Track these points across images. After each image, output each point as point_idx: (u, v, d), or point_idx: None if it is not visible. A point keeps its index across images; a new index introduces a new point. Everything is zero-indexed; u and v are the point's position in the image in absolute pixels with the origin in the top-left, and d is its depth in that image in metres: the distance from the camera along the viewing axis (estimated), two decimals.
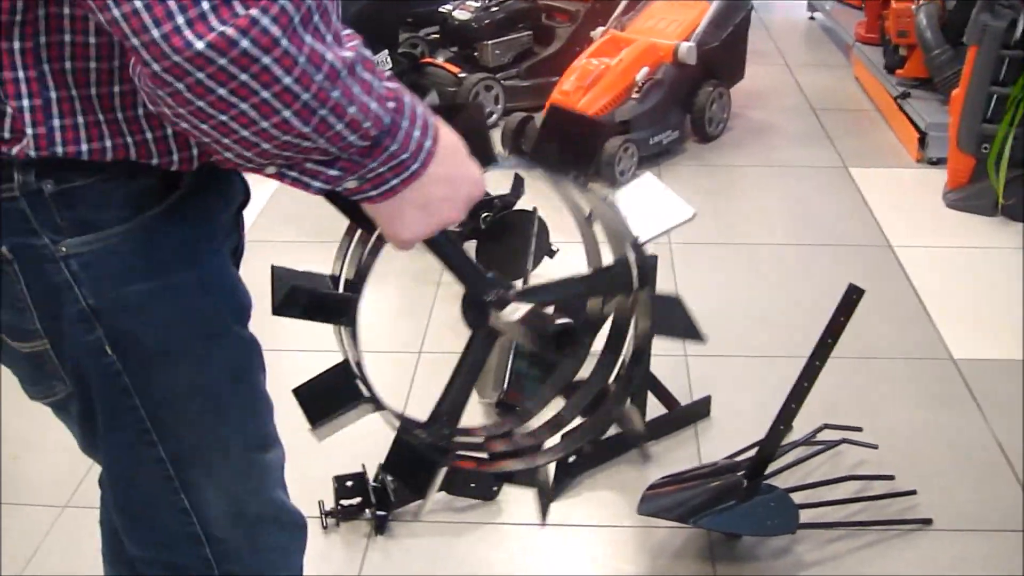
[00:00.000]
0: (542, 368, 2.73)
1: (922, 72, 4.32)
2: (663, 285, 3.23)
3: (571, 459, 2.45)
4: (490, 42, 4.63)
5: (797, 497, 2.16)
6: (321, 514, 2.31)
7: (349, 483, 2.32)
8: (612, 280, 1.30)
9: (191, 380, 1.16)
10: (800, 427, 2.40)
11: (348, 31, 0.94)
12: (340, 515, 2.32)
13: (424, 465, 1.23)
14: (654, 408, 2.53)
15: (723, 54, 4.29)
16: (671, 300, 1.32)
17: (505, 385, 2.58)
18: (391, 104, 0.94)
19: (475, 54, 4.67)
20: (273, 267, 1.14)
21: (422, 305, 3.22)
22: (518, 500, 2.38)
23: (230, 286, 1.18)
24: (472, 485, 2.36)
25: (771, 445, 2.13)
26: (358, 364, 1.20)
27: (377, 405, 1.20)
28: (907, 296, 3.19)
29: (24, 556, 2.28)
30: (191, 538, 1.24)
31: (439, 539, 2.29)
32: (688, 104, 4.23)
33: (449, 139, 1.02)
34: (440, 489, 2.35)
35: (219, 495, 1.24)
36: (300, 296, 1.13)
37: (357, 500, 2.33)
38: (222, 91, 0.83)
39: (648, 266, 1.29)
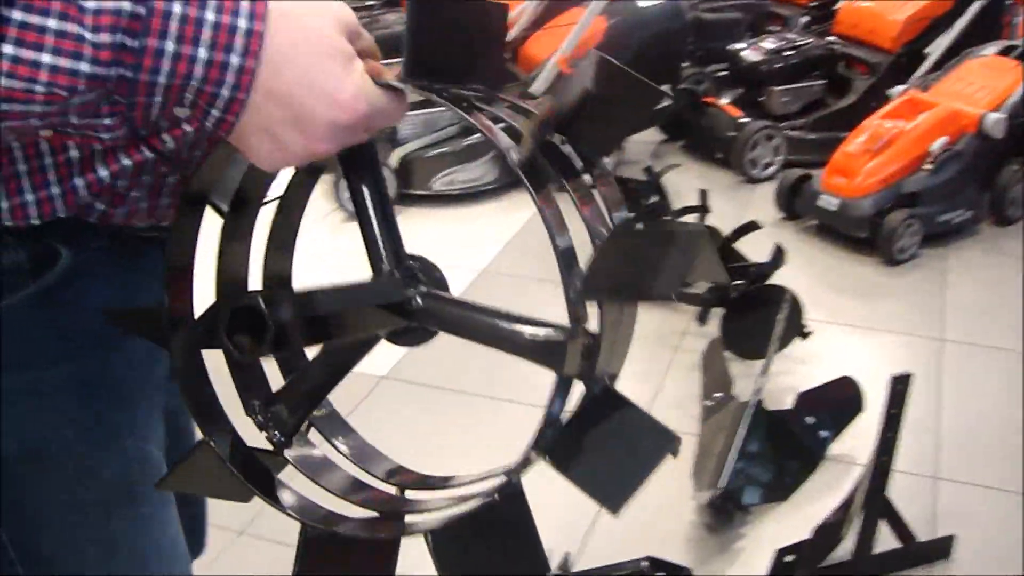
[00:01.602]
0: (770, 467, 2.47)
1: None
2: (928, 382, 2.87)
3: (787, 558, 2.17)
4: (778, 88, 4.35)
5: None
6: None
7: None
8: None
9: (65, 496, 0.97)
10: None
11: None
12: None
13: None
14: (885, 538, 2.21)
15: None
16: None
17: (723, 481, 2.33)
18: (104, 37, 0.66)
19: (761, 99, 4.39)
20: None
21: (655, 372, 3.00)
22: None
23: (127, 395, 0.98)
24: None
25: None
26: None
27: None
28: None
29: None
30: None
31: None
32: (988, 181, 3.79)
33: (296, 41, 0.73)
34: None
35: None
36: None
37: None
38: None
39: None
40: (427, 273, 0.92)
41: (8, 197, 0.83)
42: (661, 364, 3.03)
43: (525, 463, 0.86)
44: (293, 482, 0.97)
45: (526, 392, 2.73)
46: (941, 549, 2.26)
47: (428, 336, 0.92)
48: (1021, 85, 3.73)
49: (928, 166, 3.61)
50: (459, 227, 3.98)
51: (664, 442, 0.82)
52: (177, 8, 0.68)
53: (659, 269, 0.77)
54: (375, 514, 0.97)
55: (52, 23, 0.64)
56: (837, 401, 2.57)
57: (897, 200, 3.57)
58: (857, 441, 2.50)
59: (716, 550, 2.30)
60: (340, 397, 1.00)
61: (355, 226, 0.90)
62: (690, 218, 3.44)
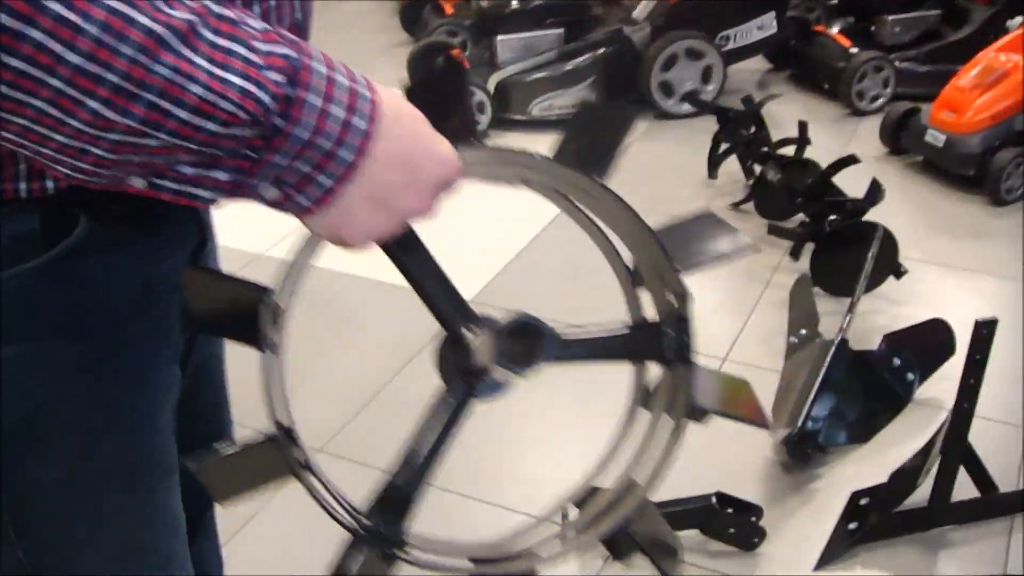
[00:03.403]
0: (851, 408, 2.42)
1: None
2: (1017, 335, 2.78)
3: (852, 525, 2.14)
4: (891, 17, 4.20)
5: None
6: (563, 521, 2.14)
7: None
8: (643, 346, 0.99)
9: (64, 473, 0.93)
10: None
11: None
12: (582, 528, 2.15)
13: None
14: (965, 487, 2.15)
15: None
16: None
17: (800, 423, 2.30)
18: (275, 76, 0.68)
19: (872, 28, 4.24)
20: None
21: (743, 305, 2.95)
22: (782, 558, 2.11)
23: (134, 374, 0.93)
24: (731, 530, 2.11)
25: None
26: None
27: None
28: None
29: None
30: None
31: None
32: None
33: (398, 110, 0.76)
34: (695, 527, 2.12)
35: None
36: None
37: None
38: (1, 88, 0.61)
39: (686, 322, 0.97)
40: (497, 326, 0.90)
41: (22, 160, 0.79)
42: (750, 298, 2.98)
43: None
44: None
45: None
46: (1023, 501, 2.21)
47: None
48: None
49: None
50: None
51: None
52: (321, 68, 0.70)
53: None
54: None
55: (240, 50, 0.66)
56: (927, 344, 2.50)
57: (1008, 138, 3.43)
58: (947, 385, 2.42)
59: (790, 489, 2.28)
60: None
61: None
62: (788, 150, 3.37)
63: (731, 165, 3.54)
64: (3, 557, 0.95)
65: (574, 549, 1.04)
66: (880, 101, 4.13)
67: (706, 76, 4.16)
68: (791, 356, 2.60)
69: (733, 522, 2.11)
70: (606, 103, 0.87)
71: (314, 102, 0.69)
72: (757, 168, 3.29)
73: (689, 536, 2.13)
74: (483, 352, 0.87)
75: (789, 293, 2.79)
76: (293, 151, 0.70)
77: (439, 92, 0.86)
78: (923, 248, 3.20)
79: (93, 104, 0.63)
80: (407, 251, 0.84)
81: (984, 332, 1.90)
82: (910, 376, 2.49)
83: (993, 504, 2.16)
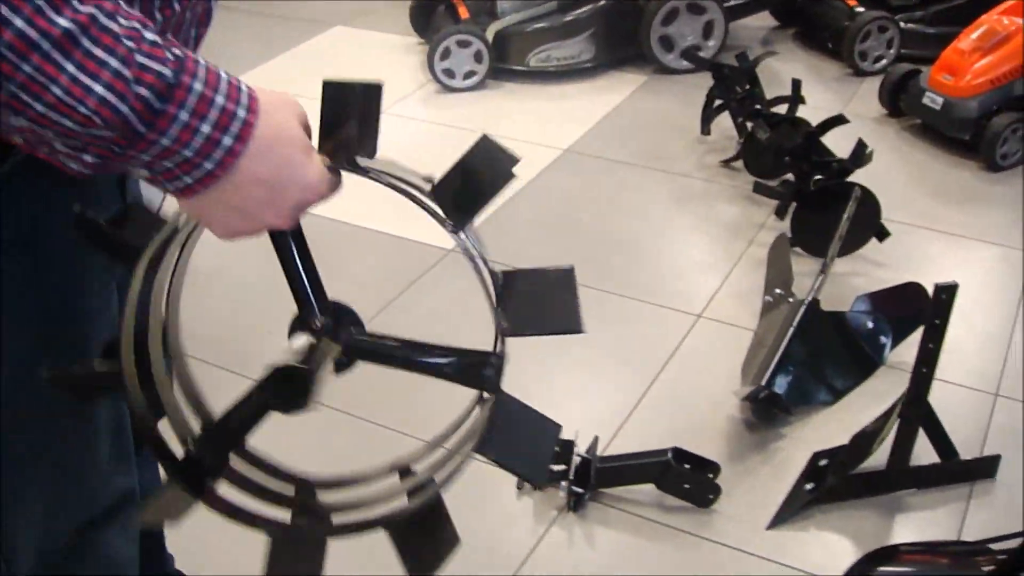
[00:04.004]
0: (820, 369, 2.41)
1: None
2: (1008, 295, 2.76)
3: (809, 486, 2.13)
4: None
5: None
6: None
7: (555, 448, 2.14)
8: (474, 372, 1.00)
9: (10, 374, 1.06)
10: None
11: None
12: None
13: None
14: (925, 451, 2.14)
15: None
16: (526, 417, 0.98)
17: (764, 382, 2.29)
18: (142, 91, 0.76)
19: None
20: None
21: (725, 263, 2.93)
22: (737, 516, 2.10)
23: (74, 290, 1.06)
24: (686, 486, 2.11)
25: None
26: None
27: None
28: None
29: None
30: None
31: (631, 535, 2.07)
32: None
33: (276, 135, 0.85)
34: (651, 482, 2.12)
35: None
36: None
37: (561, 468, 2.14)
38: None
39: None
40: (347, 315, 1.02)
41: None
42: (733, 255, 2.96)
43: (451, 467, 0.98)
44: None
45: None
46: (985, 468, 2.19)
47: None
48: None
49: None
50: (550, 104, 3.91)
51: (552, 430, 0.97)
52: (198, 86, 0.79)
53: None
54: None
55: (113, 63, 0.75)
56: (902, 307, 2.48)
57: (1006, 103, 3.37)
58: None
59: (752, 448, 2.27)
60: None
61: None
62: (781, 108, 3.33)
63: (726, 122, 3.50)
64: None
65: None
66: (883, 62, 4.07)
67: (707, 32, 4.10)
68: (765, 315, 2.59)
69: (689, 478, 2.11)
70: (500, 151, 0.89)
71: (183, 117, 0.78)
72: (749, 126, 3.25)
73: (645, 491, 2.13)
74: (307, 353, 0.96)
75: (767, 252, 2.77)
76: (155, 153, 0.79)
77: (352, 103, 0.94)
78: (913, 211, 3.17)
79: None
80: (280, 247, 0.96)
81: (943, 297, 1.88)
82: (883, 339, 2.48)
83: (952, 470, 2.15)
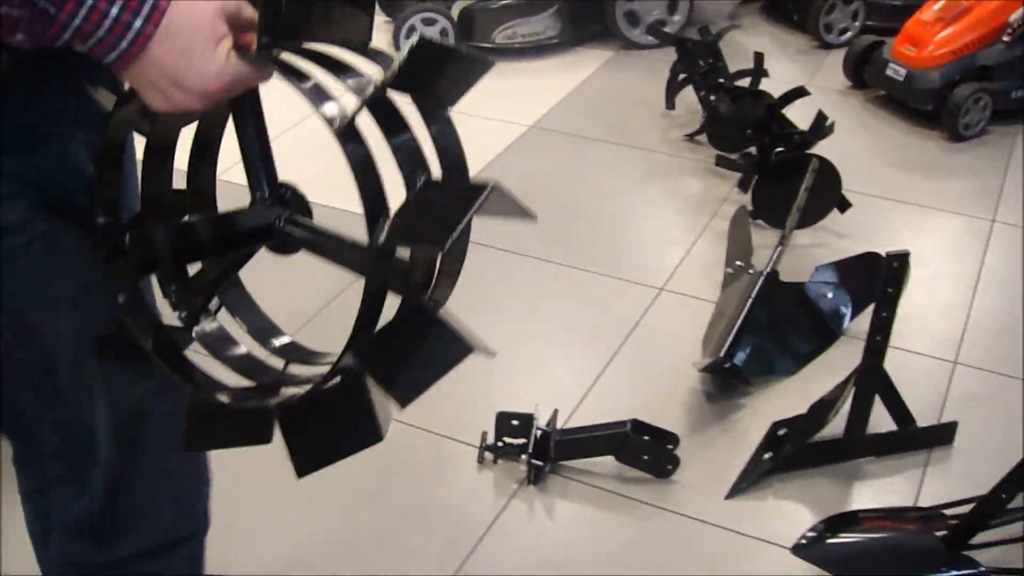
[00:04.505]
0: (780, 340, 2.42)
1: None
2: (969, 264, 2.77)
3: (767, 456, 2.15)
4: None
5: None
6: (480, 446, 2.16)
7: (515, 422, 2.14)
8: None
9: (40, 272, 1.14)
10: None
11: None
12: (499, 452, 2.16)
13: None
14: (884, 419, 2.15)
15: None
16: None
17: (723, 353, 2.30)
18: None
19: None
20: None
21: (688, 236, 2.94)
22: (697, 486, 2.11)
23: (73, 182, 1.13)
24: (645, 457, 2.12)
25: (991, 505, 1.75)
26: None
27: None
28: None
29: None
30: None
31: (591, 507, 2.08)
32: None
33: (187, 21, 0.93)
34: (610, 454, 2.13)
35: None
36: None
37: (521, 441, 2.14)
38: None
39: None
40: (296, 199, 1.07)
41: None
42: (696, 228, 2.97)
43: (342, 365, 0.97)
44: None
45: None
46: (942, 435, 2.20)
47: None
48: None
49: (1006, 38, 3.41)
50: (516, 81, 3.90)
51: (460, 351, 0.91)
52: None
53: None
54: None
55: None
56: (861, 277, 2.49)
57: (968, 73, 3.39)
58: None
59: (711, 419, 2.28)
60: None
61: None
62: (744, 82, 3.33)
63: (691, 96, 3.50)
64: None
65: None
66: (849, 35, 4.08)
67: (673, 6, 4.10)
68: (726, 288, 2.60)
69: (648, 449, 2.11)
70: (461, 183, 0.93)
71: (93, 2, 0.87)
72: (713, 99, 3.26)
73: (604, 462, 2.14)
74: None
75: (728, 225, 2.77)
76: (71, 32, 0.88)
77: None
78: (876, 182, 3.18)
79: None
80: (237, 114, 1.05)
81: (895, 265, 1.89)
82: (843, 309, 2.49)
83: (909, 437, 2.16)
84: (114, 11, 0.88)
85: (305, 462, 1.02)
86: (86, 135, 1.13)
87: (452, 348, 0.91)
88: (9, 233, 1.11)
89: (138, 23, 0.90)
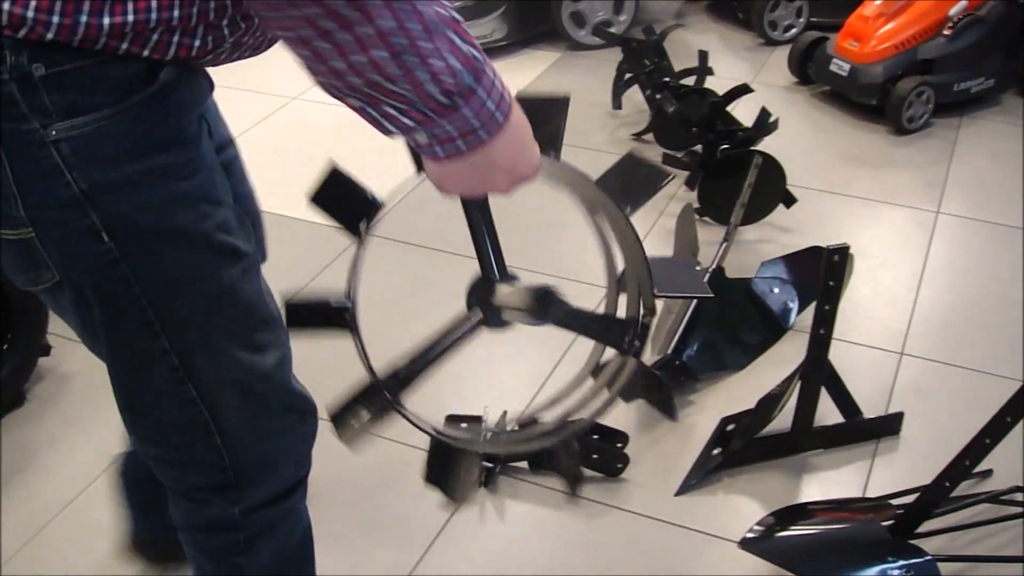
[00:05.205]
0: (726, 336, 2.42)
1: None
2: (914, 256, 2.80)
3: (716, 451, 2.15)
4: None
5: (948, 571, 1.77)
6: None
7: (464, 424, 2.14)
8: (613, 333, 1.29)
9: (190, 262, 1.18)
10: (997, 478, 1.99)
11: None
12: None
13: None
14: (831, 411, 2.17)
15: None
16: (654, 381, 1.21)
17: (670, 350, 2.30)
18: (471, 71, 0.93)
19: None
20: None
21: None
22: (647, 484, 2.12)
23: (210, 168, 1.19)
24: (595, 456, 2.12)
25: (936, 494, 1.76)
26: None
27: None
28: None
29: None
30: (201, 428, 1.29)
31: (542, 507, 2.07)
32: (1015, 49, 3.59)
33: (519, 119, 1.03)
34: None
35: (225, 382, 1.28)
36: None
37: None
38: (323, 23, 0.87)
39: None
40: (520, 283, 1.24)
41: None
42: (643, 227, 2.97)
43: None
44: None
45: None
46: (889, 425, 2.22)
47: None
48: None
49: (946, 32, 3.45)
50: None
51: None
52: (488, 70, 0.95)
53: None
54: None
55: (462, 46, 0.92)
56: (807, 271, 2.50)
57: (910, 67, 3.42)
58: None
59: (660, 417, 2.28)
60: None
61: None
62: (690, 80, 3.34)
63: (637, 96, 3.51)
64: (148, 352, 1.21)
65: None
66: (793, 31, 4.11)
67: (618, 6, 4.11)
68: None
69: (597, 449, 2.12)
70: (650, 164, 1.31)
71: (482, 94, 0.95)
72: (658, 98, 3.26)
73: None
74: (503, 296, 1.22)
75: (675, 222, 2.78)
76: (456, 121, 0.95)
77: (545, 110, 1.14)
78: (822, 177, 3.20)
79: (376, 53, 0.89)
80: (480, 209, 1.17)
81: (835, 259, 1.90)
82: (789, 303, 2.50)
83: (856, 428, 2.18)
84: (491, 104, 0.96)
85: None
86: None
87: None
88: (246, 256, 1.24)
89: (499, 116, 0.98)
